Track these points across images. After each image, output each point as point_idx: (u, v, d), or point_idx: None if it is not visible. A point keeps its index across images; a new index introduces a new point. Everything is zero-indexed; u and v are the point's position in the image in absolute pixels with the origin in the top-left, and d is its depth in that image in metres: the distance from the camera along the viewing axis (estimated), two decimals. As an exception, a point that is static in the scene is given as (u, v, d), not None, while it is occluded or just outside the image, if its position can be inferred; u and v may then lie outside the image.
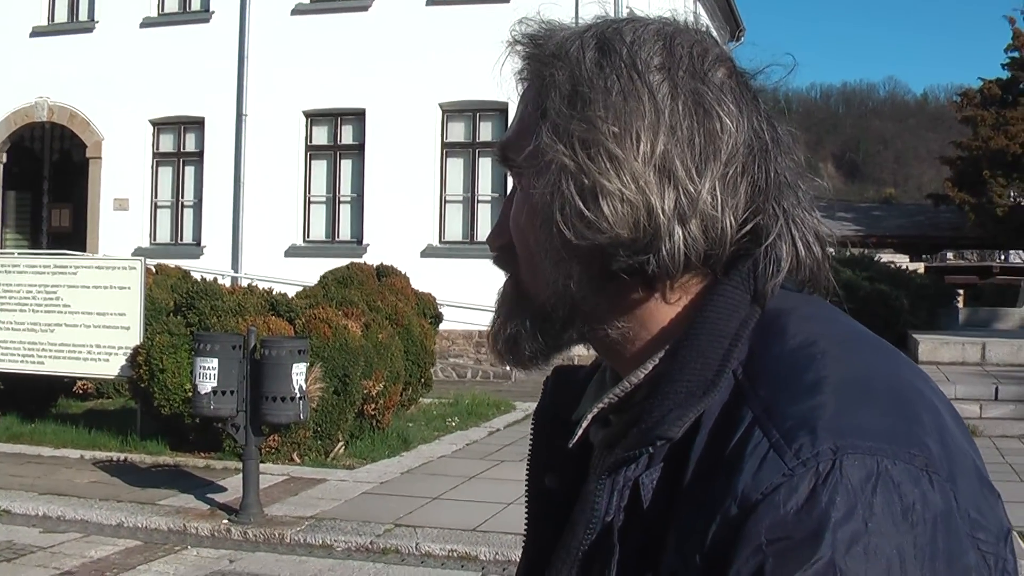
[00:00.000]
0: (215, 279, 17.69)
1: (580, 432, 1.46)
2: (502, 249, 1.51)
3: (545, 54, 1.42)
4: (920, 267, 38.02)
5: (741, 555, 1.16)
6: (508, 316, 1.50)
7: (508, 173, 1.49)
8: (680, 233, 1.34)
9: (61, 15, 30.22)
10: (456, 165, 26.18)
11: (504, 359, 1.51)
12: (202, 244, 27.99)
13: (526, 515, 1.67)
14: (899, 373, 1.31)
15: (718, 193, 1.35)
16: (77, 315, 14.99)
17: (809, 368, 1.26)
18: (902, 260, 37.62)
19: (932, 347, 21.24)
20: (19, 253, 22.26)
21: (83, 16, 29.82)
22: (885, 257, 34.92)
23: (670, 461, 1.30)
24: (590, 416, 1.44)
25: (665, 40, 1.40)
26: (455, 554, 10.15)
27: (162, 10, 29.02)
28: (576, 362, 1.68)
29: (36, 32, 29.88)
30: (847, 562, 1.13)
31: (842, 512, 1.14)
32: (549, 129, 1.37)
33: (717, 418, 1.28)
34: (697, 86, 1.37)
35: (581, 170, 1.33)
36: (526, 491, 1.65)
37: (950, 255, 61.85)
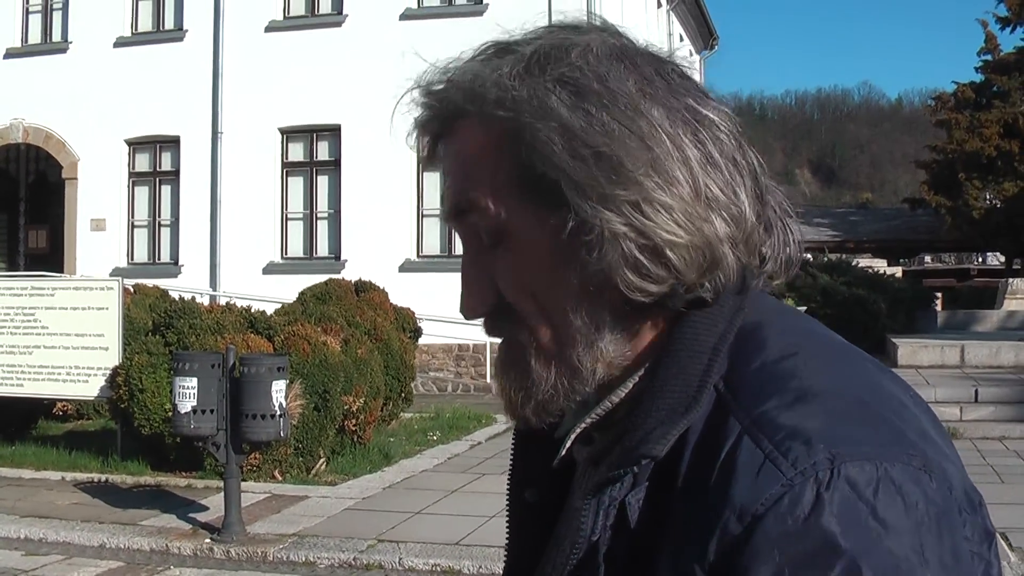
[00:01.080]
0: (193, 298, 17.65)
1: (564, 451, 1.45)
2: (492, 314, 1.43)
3: (501, 108, 1.35)
4: (898, 271, 38.16)
5: (755, 569, 1.16)
6: (532, 383, 1.41)
7: (465, 231, 1.44)
8: (731, 255, 1.34)
9: (35, 36, 30.18)
10: (433, 179, 26.13)
11: (530, 423, 1.45)
12: (180, 263, 27.95)
13: (507, 528, 1.66)
14: (879, 383, 1.32)
15: (751, 204, 1.37)
16: (55, 336, 14.95)
17: (792, 379, 1.26)
18: (880, 264, 37.78)
19: (911, 351, 21.33)
20: (-4, 275, 22.21)
21: (56, 37, 29.78)
22: (863, 262, 35.09)
23: (656, 478, 1.29)
24: (573, 436, 1.43)
25: (622, 59, 1.37)
26: (438, 568, 10.14)
27: (135, 30, 28.99)
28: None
29: (10, 54, 29.83)
30: (865, 564, 1.13)
31: (851, 517, 1.15)
32: (586, 200, 1.31)
33: (702, 432, 1.27)
34: (684, 101, 1.36)
35: (640, 232, 1.30)
36: (507, 505, 1.65)
37: (928, 258, 62.18)
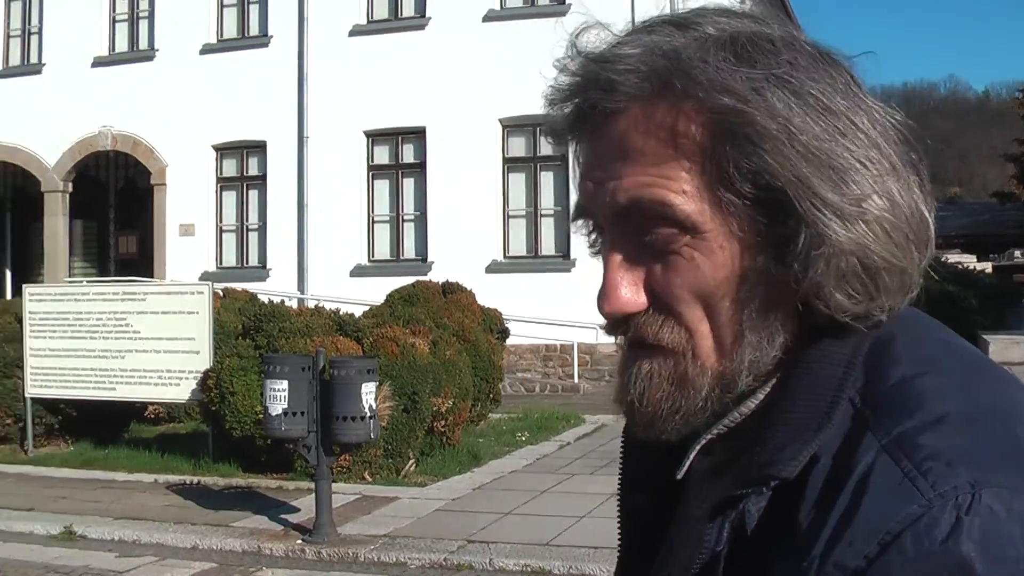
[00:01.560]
0: (282, 301, 17.77)
1: (687, 463, 1.39)
2: (635, 316, 1.33)
3: (724, 94, 1.23)
4: (987, 266, 37.75)
5: None
6: (686, 394, 1.33)
7: (628, 228, 1.31)
8: (916, 278, 1.32)
9: (122, 45, 30.56)
10: (518, 180, 26.19)
11: (664, 437, 1.36)
12: (268, 267, 28.17)
13: (619, 532, 1.61)
14: (1016, 399, 1.27)
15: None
16: (147, 341, 15.12)
17: (933, 397, 1.22)
18: (969, 260, 37.40)
19: (1002, 347, 21.02)
20: (88, 281, 22.50)
21: (143, 45, 30.15)
22: (952, 257, 34.76)
23: (780, 488, 1.24)
24: (698, 446, 1.37)
25: (824, 61, 1.30)
26: (528, 569, 10.12)
27: (221, 36, 29.27)
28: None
29: (97, 62, 30.24)
30: None
31: (989, 544, 1.11)
32: (820, 212, 1.23)
33: (836, 447, 1.22)
34: (885, 119, 1.29)
35: (866, 251, 1.24)
36: (618, 508, 1.60)
37: (1017, 253, 61.30)
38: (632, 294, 1.31)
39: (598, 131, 1.33)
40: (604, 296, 1.32)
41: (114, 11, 30.80)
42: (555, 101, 1.37)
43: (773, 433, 1.26)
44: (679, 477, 1.40)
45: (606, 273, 1.33)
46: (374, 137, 27.50)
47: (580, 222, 1.40)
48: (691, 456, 1.38)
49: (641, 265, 1.31)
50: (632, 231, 1.31)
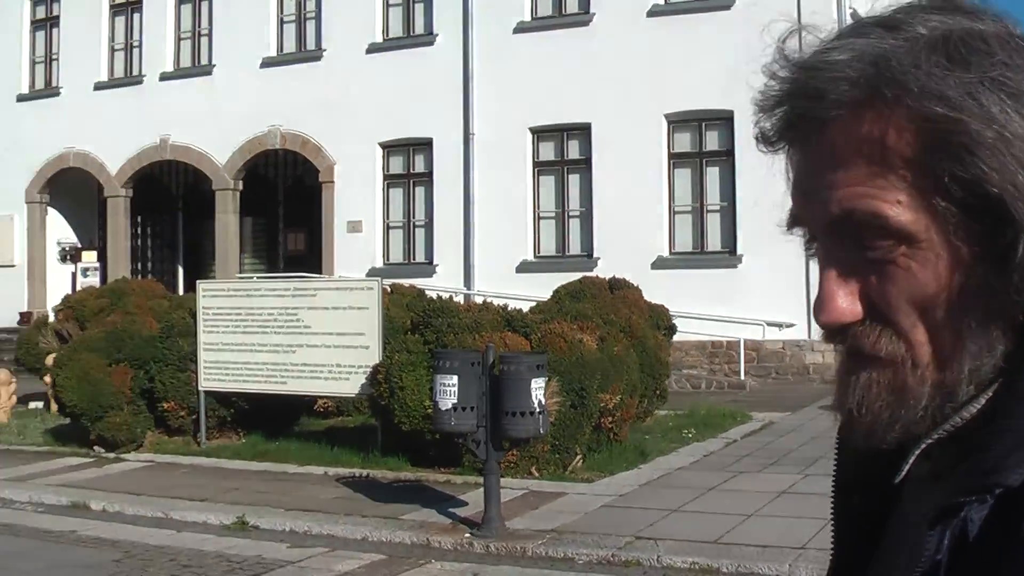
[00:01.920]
0: (449, 297, 17.87)
1: (906, 468, 1.34)
2: (851, 328, 1.30)
3: (937, 102, 1.18)
4: None
5: None
6: (906, 404, 1.28)
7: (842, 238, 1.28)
8: None
9: (289, 45, 31.06)
10: (683, 176, 26.06)
11: (882, 444, 1.32)
12: (434, 263, 28.38)
13: (832, 533, 1.58)
14: None
15: None
16: (317, 336, 15.34)
17: None
18: None
19: None
20: (258, 277, 22.85)
21: (311, 45, 30.59)
22: None
23: (1003, 497, 1.19)
24: (916, 452, 1.32)
25: None
26: (697, 567, 10.05)
27: (387, 35, 29.56)
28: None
29: (266, 63, 30.77)
30: None
31: None
32: None
33: None
34: None
35: None
36: (831, 508, 1.57)
37: None
38: (848, 304, 1.28)
39: (808, 139, 1.29)
40: (820, 306, 1.29)
41: (282, 12, 31.32)
42: (764, 108, 1.32)
43: (997, 440, 1.20)
44: (897, 481, 1.37)
45: (822, 283, 1.30)
46: (539, 134, 27.57)
47: (795, 230, 1.36)
48: (910, 461, 1.34)
49: (856, 275, 1.27)
50: (846, 241, 1.27)
